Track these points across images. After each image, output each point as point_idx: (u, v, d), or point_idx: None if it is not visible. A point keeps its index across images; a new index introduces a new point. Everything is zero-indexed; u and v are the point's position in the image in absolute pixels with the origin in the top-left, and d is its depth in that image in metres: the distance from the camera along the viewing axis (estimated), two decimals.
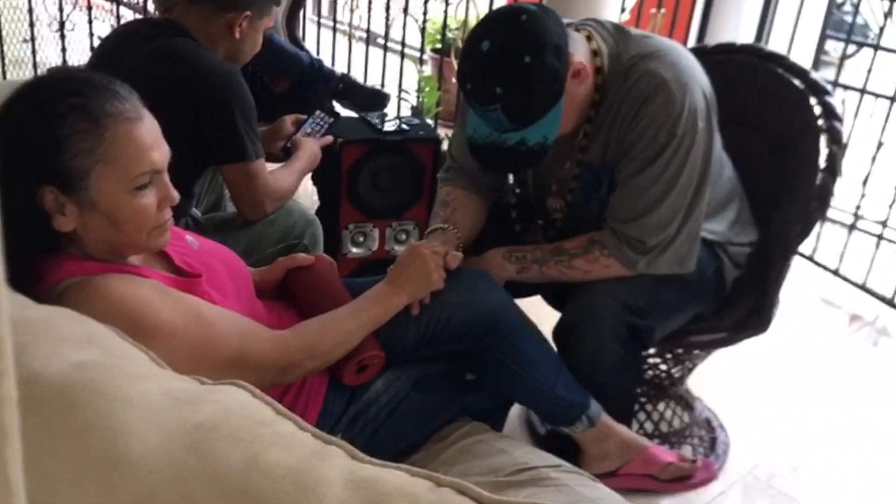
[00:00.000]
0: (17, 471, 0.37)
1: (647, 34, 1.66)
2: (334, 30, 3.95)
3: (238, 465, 0.67)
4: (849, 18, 5.59)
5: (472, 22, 3.73)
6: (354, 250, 2.37)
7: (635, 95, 1.57)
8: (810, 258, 3.15)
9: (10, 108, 1.14)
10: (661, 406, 2.08)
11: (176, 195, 1.23)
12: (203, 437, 0.70)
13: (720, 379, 2.39)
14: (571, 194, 1.74)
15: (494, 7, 3.24)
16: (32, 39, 3.63)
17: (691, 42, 3.89)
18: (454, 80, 1.62)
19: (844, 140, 1.83)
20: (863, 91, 3.16)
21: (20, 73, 4.07)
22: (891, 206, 2.96)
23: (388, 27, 3.54)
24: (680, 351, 1.96)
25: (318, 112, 2.26)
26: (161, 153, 1.20)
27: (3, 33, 3.50)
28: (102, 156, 1.13)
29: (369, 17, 3.79)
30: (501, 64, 1.49)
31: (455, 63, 3.86)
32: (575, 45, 1.55)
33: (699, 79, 1.60)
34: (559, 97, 1.52)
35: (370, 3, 3.75)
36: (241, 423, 0.72)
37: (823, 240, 3.15)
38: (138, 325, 1.09)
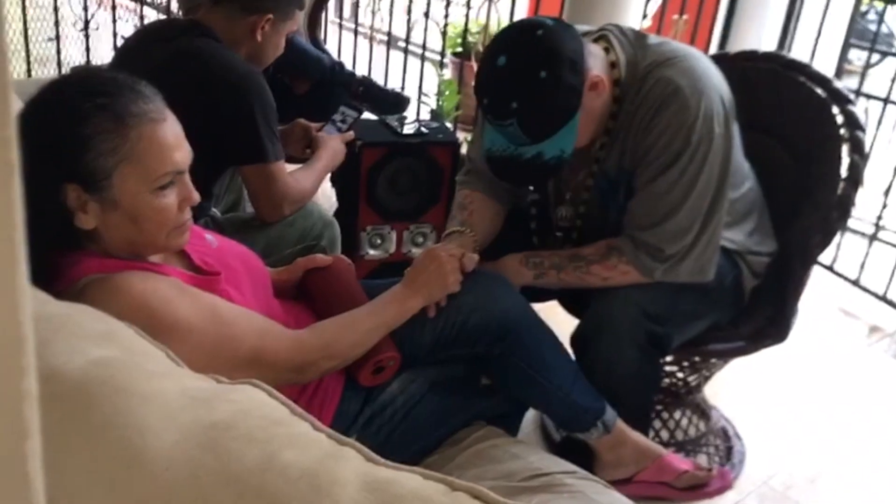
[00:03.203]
0: (37, 466, 0.37)
1: (665, 40, 1.65)
2: (356, 32, 3.96)
3: (253, 465, 0.67)
4: (873, 27, 5.54)
5: (493, 26, 3.74)
6: (372, 252, 2.38)
7: (650, 102, 1.56)
8: (830, 268, 3.13)
9: (35, 105, 1.15)
10: (676, 414, 2.07)
11: (196, 196, 1.24)
12: (219, 435, 0.70)
13: (737, 388, 2.37)
14: (584, 205, 1.74)
15: (515, 13, 3.26)
16: (58, 38, 3.67)
17: (713, 49, 3.87)
18: (474, 83, 1.62)
19: (866, 150, 1.81)
20: (886, 100, 3.14)
21: (45, 71, 4.12)
22: None
23: (409, 30, 3.55)
24: (697, 359, 1.95)
25: (341, 108, 2.25)
26: (183, 153, 1.21)
27: (29, 32, 3.54)
28: (126, 155, 1.14)
29: (391, 19, 3.81)
30: (517, 79, 1.50)
31: (476, 67, 3.86)
32: (592, 58, 1.55)
33: (716, 85, 1.59)
34: (575, 111, 1.52)
35: (392, 5, 3.77)
36: (257, 423, 0.73)
37: (844, 250, 3.12)
38: (157, 323, 1.10)
